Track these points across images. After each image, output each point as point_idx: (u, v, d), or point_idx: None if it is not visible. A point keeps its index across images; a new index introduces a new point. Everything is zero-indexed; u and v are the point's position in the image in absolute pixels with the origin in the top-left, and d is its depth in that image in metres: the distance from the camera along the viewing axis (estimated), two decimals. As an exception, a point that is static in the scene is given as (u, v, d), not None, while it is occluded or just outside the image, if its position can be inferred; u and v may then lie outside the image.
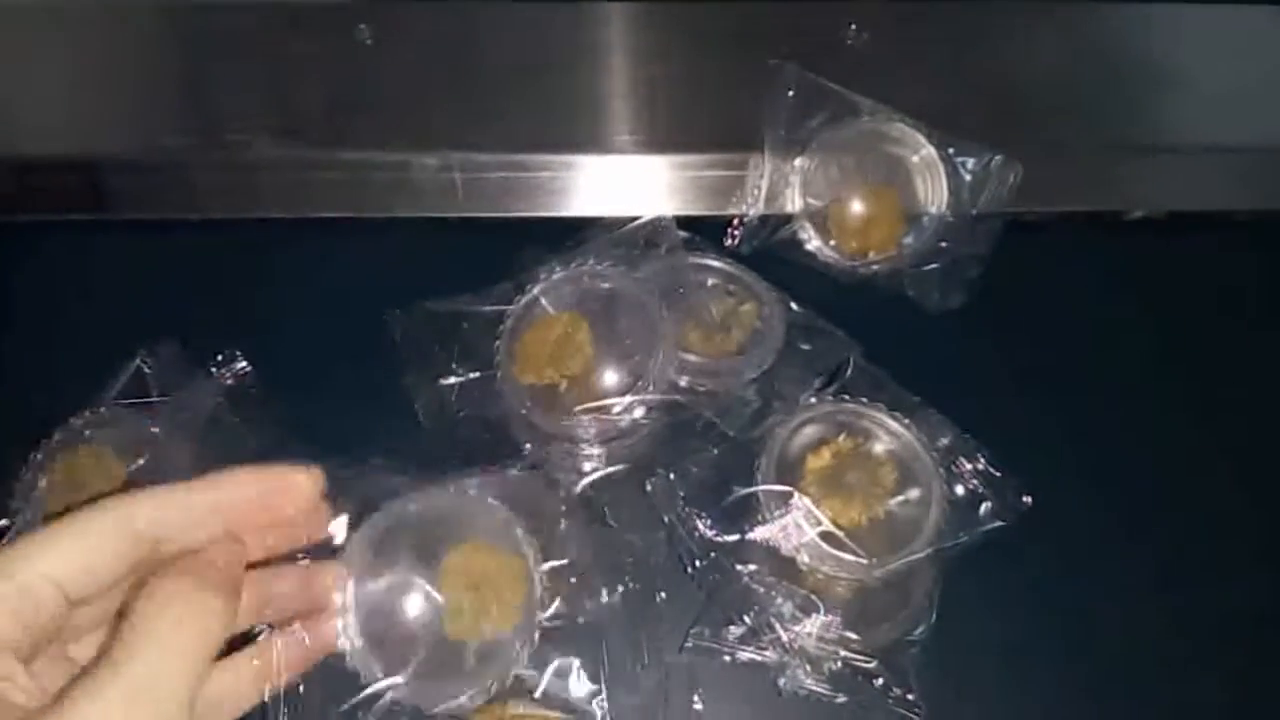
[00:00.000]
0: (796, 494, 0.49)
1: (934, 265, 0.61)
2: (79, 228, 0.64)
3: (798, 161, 0.62)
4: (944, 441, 0.52)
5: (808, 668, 0.49)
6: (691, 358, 0.55)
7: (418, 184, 0.64)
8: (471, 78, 0.67)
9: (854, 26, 0.67)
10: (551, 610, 0.45)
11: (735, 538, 0.50)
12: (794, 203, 0.62)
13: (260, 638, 0.38)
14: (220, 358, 0.56)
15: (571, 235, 0.58)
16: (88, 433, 0.52)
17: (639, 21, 0.69)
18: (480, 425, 0.55)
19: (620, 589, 0.48)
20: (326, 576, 0.41)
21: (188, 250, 0.63)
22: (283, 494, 0.37)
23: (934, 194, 0.61)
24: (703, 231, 0.60)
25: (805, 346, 0.56)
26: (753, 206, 0.62)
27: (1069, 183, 0.66)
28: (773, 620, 0.49)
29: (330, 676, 0.41)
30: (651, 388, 0.52)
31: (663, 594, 0.51)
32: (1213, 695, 0.53)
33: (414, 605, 0.43)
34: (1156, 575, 0.55)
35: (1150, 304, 0.63)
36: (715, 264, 0.59)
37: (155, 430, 0.53)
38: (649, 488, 0.52)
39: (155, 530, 0.33)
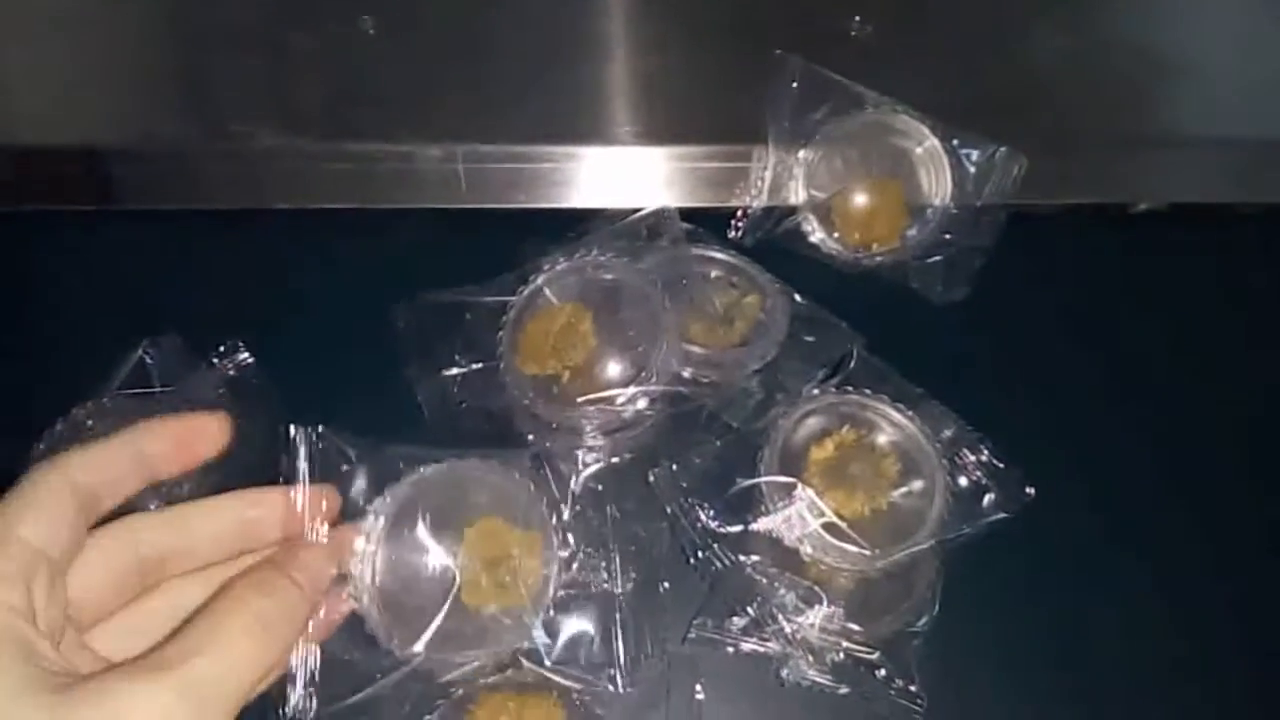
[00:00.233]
0: (799, 485, 0.49)
1: (938, 257, 0.61)
2: (81, 218, 0.64)
3: (801, 153, 0.62)
4: (947, 433, 0.52)
5: (810, 659, 0.49)
6: (695, 349, 0.55)
7: (421, 175, 0.64)
8: (475, 69, 0.67)
9: (858, 18, 0.67)
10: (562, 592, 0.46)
11: (738, 529, 0.50)
12: (798, 194, 0.62)
13: None
14: (222, 349, 0.56)
15: (575, 226, 0.58)
16: (90, 423, 0.52)
17: (643, 13, 0.69)
18: (483, 416, 0.55)
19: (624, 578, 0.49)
20: (346, 544, 0.42)
21: (189, 241, 0.63)
22: (195, 439, 0.38)
23: (938, 186, 0.61)
24: (706, 223, 0.60)
25: (809, 338, 0.56)
26: (756, 198, 0.62)
27: (1073, 175, 0.66)
28: (775, 611, 0.49)
29: (348, 642, 0.42)
30: (654, 379, 0.52)
31: (666, 584, 0.51)
32: (1213, 689, 0.53)
33: (433, 574, 0.44)
34: (1157, 568, 0.55)
35: (1154, 296, 0.63)
36: (718, 255, 0.59)
37: (157, 421, 0.53)
38: (652, 479, 0.52)
39: (91, 483, 0.34)
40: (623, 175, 0.64)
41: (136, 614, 0.36)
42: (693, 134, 0.65)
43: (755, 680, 0.50)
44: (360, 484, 0.45)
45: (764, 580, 0.50)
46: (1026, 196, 0.61)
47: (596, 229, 0.58)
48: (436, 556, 0.44)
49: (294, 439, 0.43)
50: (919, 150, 0.61)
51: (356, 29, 0.67)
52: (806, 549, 0.49)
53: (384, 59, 0.67)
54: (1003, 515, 0.50)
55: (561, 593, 0.46)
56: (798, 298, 0.58)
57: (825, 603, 0.49)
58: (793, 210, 0.62)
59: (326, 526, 0.40)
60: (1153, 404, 0.59)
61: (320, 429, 0.44)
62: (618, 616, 0.48)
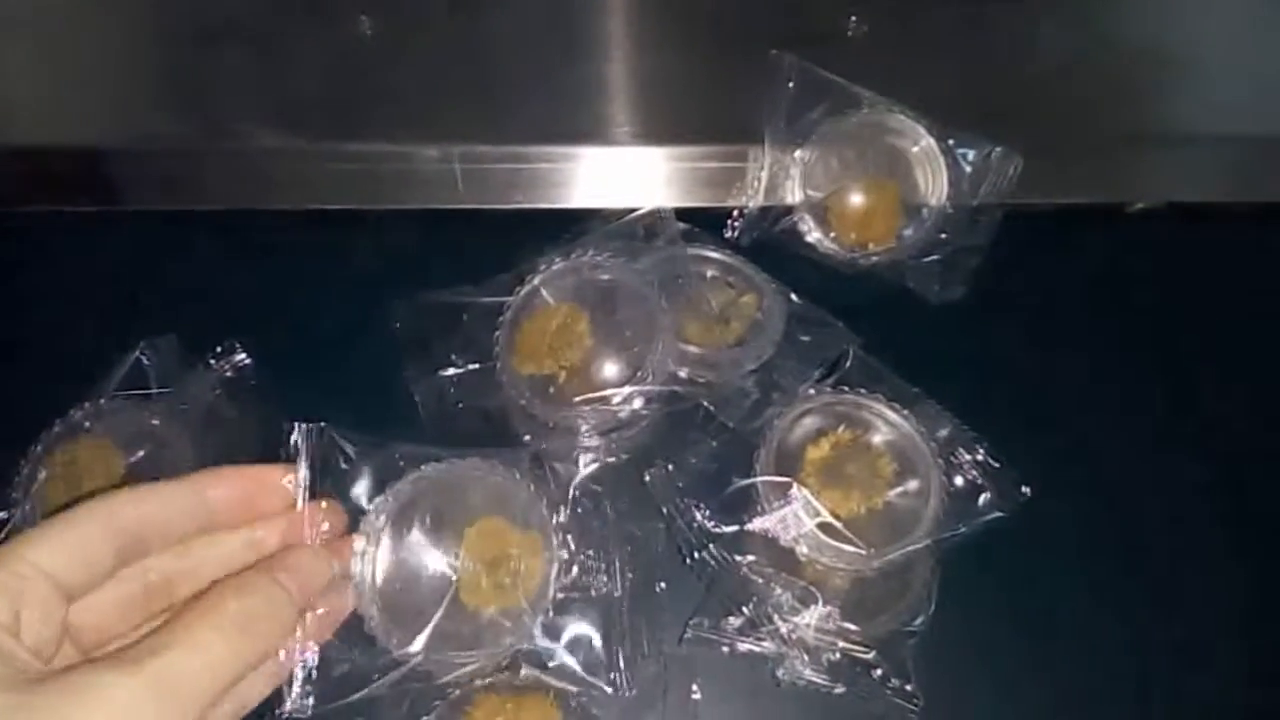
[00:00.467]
0: (795, 485, 0.50)
1: (934, 257, 0.61)
2: (78, 218, 0.64)
3: (798, 153, 0.62)
4: (943, 433, 0.52)
5: (806, 658, 0.49)
6: (691, 349, 0.55)
7: (418, 175, 0.64)
8: (472, 70, 0.67)
9: (854, 18, 0.67)
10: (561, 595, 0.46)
11: (734, 529, 0.50)
12: (794, 194, 0.62)
13: None
14: (219, 350, 0.57)
15: (571, 227, 0.58)
16: (88, 425, 0.52)
17: (640, 12, 0.69)
18: (479, 416, 0.55)
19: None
20: (345, 544, 0.42)
21: (186, 241, 0.63)
22: (263, 492, 0.39)
23: (934, 186, 0.61)
24: (703, 223, 0.60)
25: (805, 338, 0.56)
26: (753, 198, 0.62)
27: (1069, 174, 0.66)
28: (771, 611, 0.49)
29: (346, 642, 0.42)
30: (651, 379, 0.52)
31: (662, 584, 0.51)
32: (1212, 684, 0.53)
33: (432, 574, 0.44)
34: (1153, 567, 0.55)
35: (1150, 296, 0.63)
36: (715, 255, 0.59)
37: (155, 423, 0.53)
38: (648, 479, 0.52)
39: (139, 526, 0.35)
40: (619, 175, 0.65)
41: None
42: (689, 134, 0.65)
43: (752, 680, 0.51)
44: (361, 482, 0.45)
45: (760, 580, 0.50)
46: (1022, 196, 0.61)
47: (593, 229, 0.58)
48: (436, 556, 0.45)
49: (295, 438, 0.43)
50: (915, 150, 0.61)
51: (355, 30, 0.68)
52: (802, 549, 0.49)
53: (382, 60, 0.67)
54: (998, 515, 0.50)
55: (561, 595, 0.46)
56: (794, 297, 0.58)
57: (821, 602, 0.49)
58: (789, 210, 0.62)
59: (326, 525, 0.40)
60: (1149, 403, 0.60)
61: (322, 426, 0.44)
62: (619, 619, 0.48)
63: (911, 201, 0.62)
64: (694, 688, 0.50)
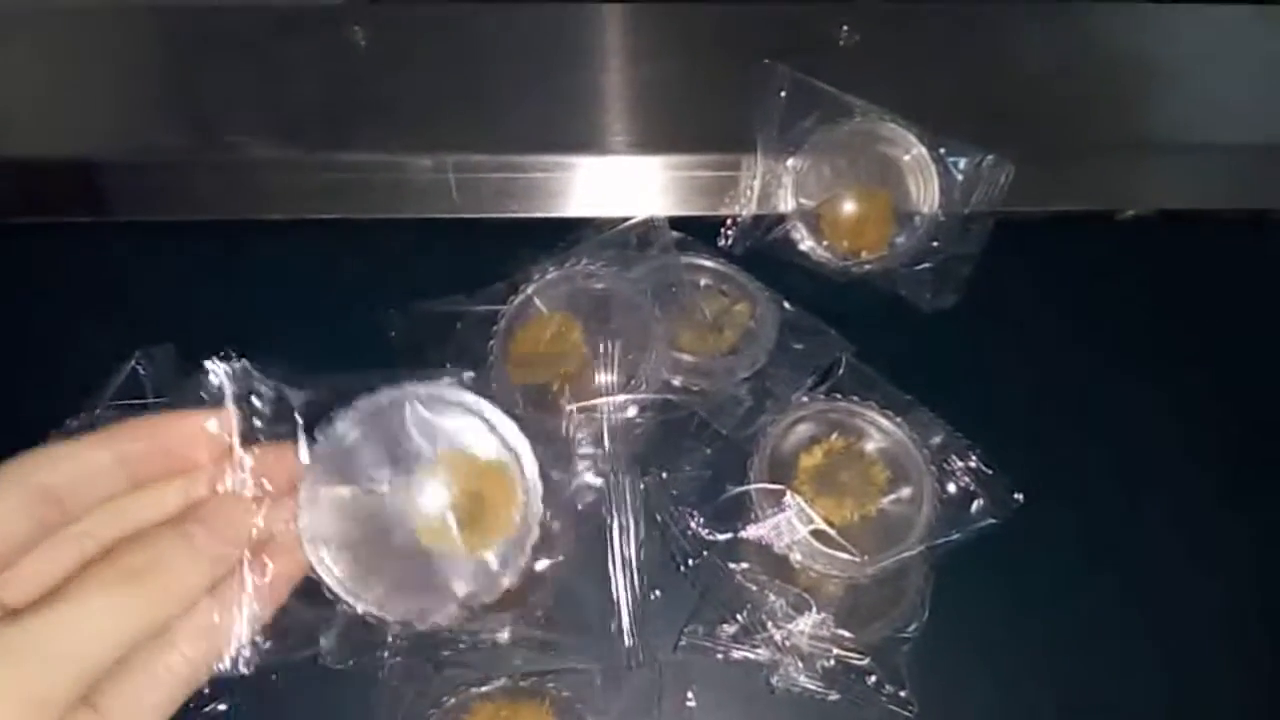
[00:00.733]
0: (789, 492, 0.50)
1: (926, 265, 0.61)
2: (74, 229, 0.64)
3: (790, 162, 0.62)
4: (936, 440, 0.52)
5: (801, 665, 0.49)
6: (684, 357, 0.55)
7: (412, 185, 0.64)
8: (465, 80, 0.67)
9: (845, 28, 0.68)
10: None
11: (728, 536, 0.51)
12: (787, 203, 0.62)
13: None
14: (216, 359, 0.57)
15: (565, 236, 0.58)
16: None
17: (632, 23, 0.69)
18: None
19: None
20: (281, 491, 0.38)
21: (182, 252, 0.63)
22: (188, 441, 0.36)
23: (926, 194, 0.62)
24: (696, 232, 0.60)
25: (798, 345, 0.57)
26: (746, 207, 0.63)
27: (1060, 182, 0.66)
28: (766, 618, 0.49)
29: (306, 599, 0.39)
30: (645, 387, 0.52)
31: (657, 592, 0.51)
32: (1206, 691, 0.53)
33: (387, 518, 0.39)
34: (1146, 574, 0.55)
35: (1141, 303, 0.63)
36: (708, 264, 0.59)
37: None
38: (642, 487, 0.52)
39: (57, 487, 0.33)
40: (613, 184, 0.65)
41: None
42: (682, 143, 0.65)
43: (746, 687, 0.51)
44: (296, 422, 0.40)
45: (754, 587, 0.50)
46: (1014, 204, 0.61)
47: (587, 238, 0.58)
48: (388, 496, 0.39)
49: (213, 380, 0.40)
50: (907, 158, 0.62)
51: (348, 40, 0.68)
52: (796, 556, 0.50)
53: (376, 70, 0.67)
54: (991, 521, 0.51)
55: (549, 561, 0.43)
56: (787, 305, 0.58)
57: (815, 609, 0.49)
58: (782, 218, 0.62)
59: (268, 472, 0.37)
60: (1141, 410, 0.60)
61: (243, 363, 0.40)
62: (628, 578, 0.47)
63: (903, 210, 0.62)
64: (689, 695, 0.51)
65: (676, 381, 0.55)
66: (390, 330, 0.57)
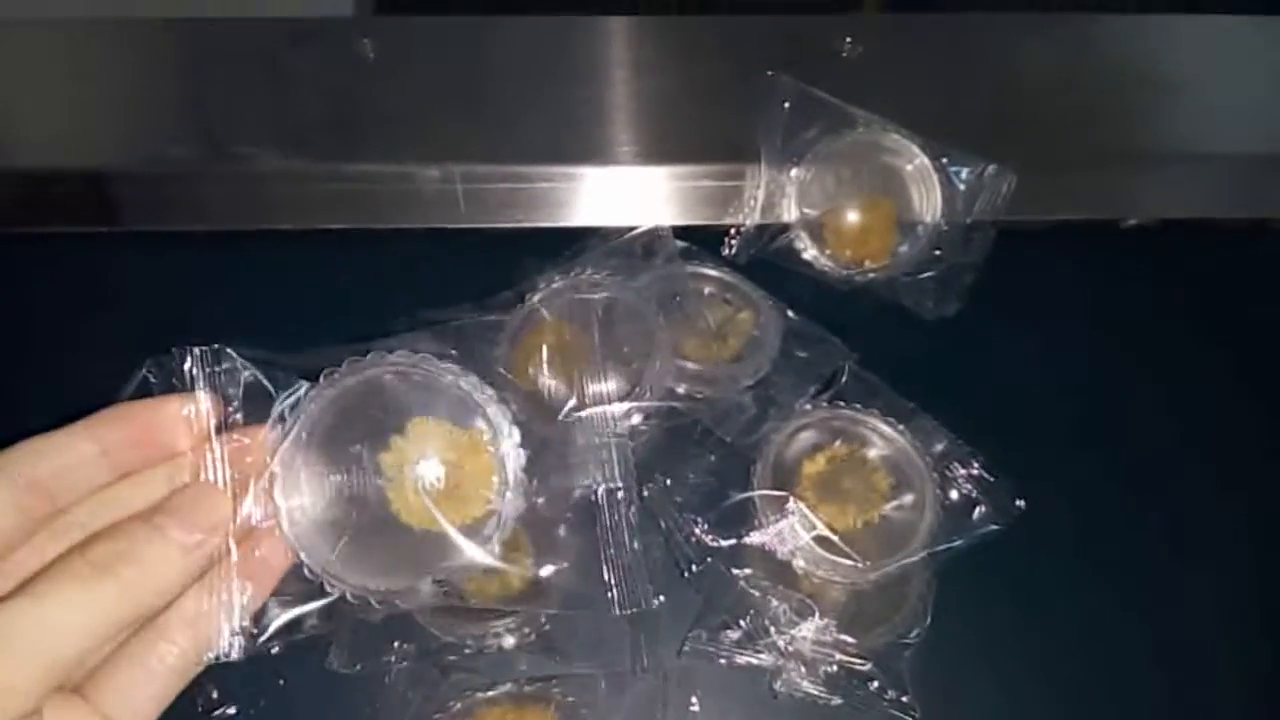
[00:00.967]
0: (792, 499, 0.50)
1: (928, 274, 0.61)
2: (84, 239, 0.64)
3: (794, 172, 0.62)
4: (938, 447, 0.53)
5: (803, 670, 0.49)
6: (688, 365, 0.55)
7: (420, 196, 0.65)
8: (472, 91, 0.68)
9: (848, 39, 0.68)
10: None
11: (732, 542, 0.51)
12: (790, 212, 0.62)
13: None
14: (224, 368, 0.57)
15: (571, 245, 0.59)
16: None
17: (637, 35, 0.70)
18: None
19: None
20: (255, 475, 0.37)
21: (191, 262, 0.64)
22: (166, 427, 0.36)
23: (928, 203, 0.62)
24: (700, 241, 0.61)
25: (801, 354, 0.57)
26: (749, 216, 0.63)
27: (1062, 191, 0.67)
28: (769, 624, 0.50)
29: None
30: (649, 395, 0.53)
31: (661, 598, 0.51)
32: (1206, 697, 0.53)
33: (360, 495, 0.38)
34: (1150, 579, 0.56)
35: (1143, 312, 0.64)
36: (712, 273, 0.60)
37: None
38: (646, 493, 0.53)
39: (42, 480, 0.33)
40: (618, 194, 0.65)
41: None
42: (687, 154, 0.65)
43: (750, 692, 0.51)
44: (270, 404, 0.39)
45: (758, 593, 0.50)
46: (1016, 213, 0.61)
47: (592, 247, 0.59)
48: (362, 473, 0.38)
49: (187, 366, 0.39)
50: (909, 168, 0.62)
51: (356, 52, 0.68)
52: (799, 562, 0.50)
53: (383, 82, 0.68)
54: (993, 528, 0.51)
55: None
56: (790, 314, 0.58)
57: (818, 615, 0.50)
58: (785, 228, 0.62)
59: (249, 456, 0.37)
60: (1143, 418, 0.60)
61: (216, 347, 0.39)
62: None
63: (906, 219, 0.62)
64: (693, 700, 0.51)
65: (680, 389, 0.55)
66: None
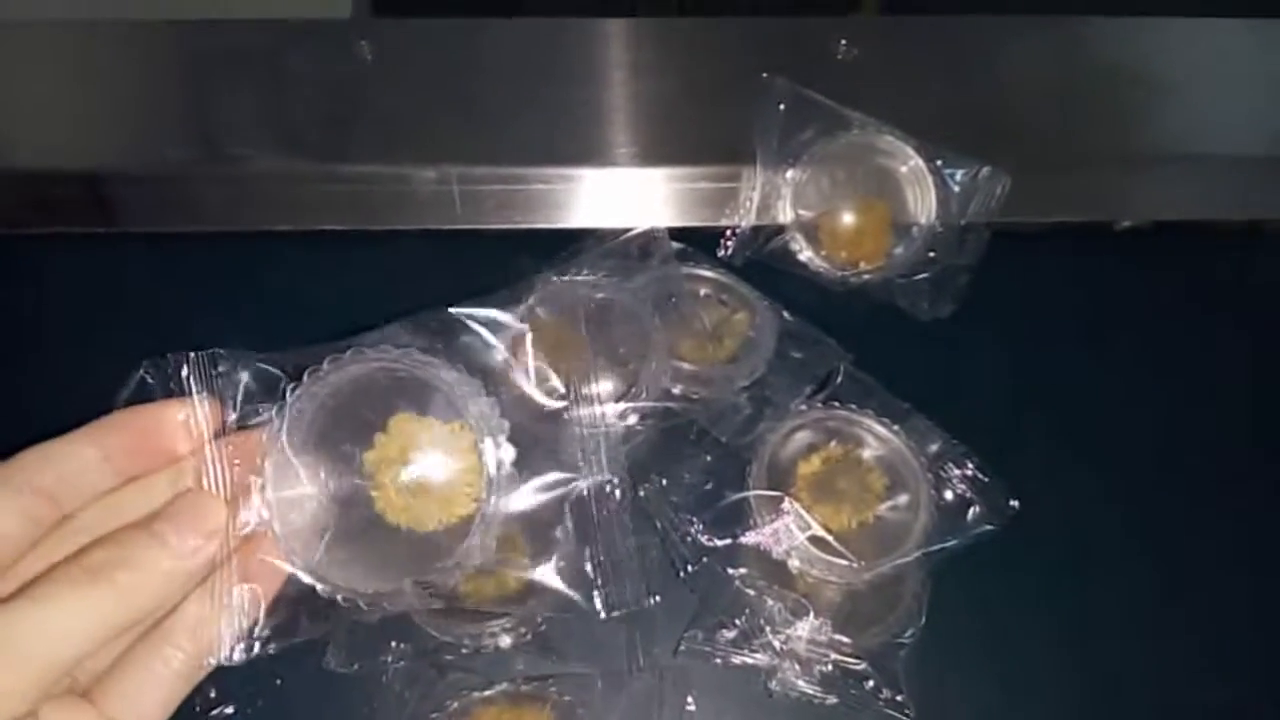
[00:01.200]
0: (787, 499, 0.50)
1: (923, 275, 0.62)
2: (83, 241, 0.65)
3: (789, 174, 0.63)
4: (933, 447, 0.53)
5: (798, 670, 0.49)
6: (684, 366, 0.56)
7: (417, 197, 0.65)
8: (469, 93, 0.68)
9: (844, 42, 0.68)
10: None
11: (727, 542, 0.51)
12: (785, 214, 0.63)
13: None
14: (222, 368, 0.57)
15: (567, 246, 0.59)
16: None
17: (634, 37, 0.70)
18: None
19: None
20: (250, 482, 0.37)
21: (190, 263, 0.64)
22: (164, 433, 0.36)
23: (923, 205, 0.62)
24: (696, 242, 0.61)
25: (796, 354, 0.57)
26: (745, 218, 0.63)
27: (1056, 193, 0.67)
28: (764, 623, 0.50)
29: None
30: (645, 395, 0.53)
31: (656, 598, 0.52)
32: (1201, 697, 0.54)
33: (347, 497, 0.37)
34: (1143, 579, 0.56)
35: (1137, 313, 0.64)
36: (708, 274, 0.60)
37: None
38: (642, 493, 0.53)
39: (48, 487, 0.33)
40: (614, 196, 0.65)
41: None
42: (683, 155, 0.66)
43: (745, 691, 0.51)
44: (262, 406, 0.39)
45: (753, 593, 0.51)
46: (1010, 215, 0.62)
47: (589, 249, 0.59)
48: (348, 473, 0.37)
49: (184, 372, 0.38)
50: (904, 170, 0.62)
51: (354, 54, 0.69)
52: (794, 562, 0.50)
53: (380, 84, 0.68)
54: (987, 528, 0.51)
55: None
56: (786, 315, 0.59)
57: (813, 615, 0.50)
58: (781, 229, 0.63)
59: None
60: (1136, 418, 0.60)
61: (213, 352, 0.39)
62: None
63: (901, 221, 0.63)
64: (689, 699, 0.51)
65: (676, 390, 0.55)
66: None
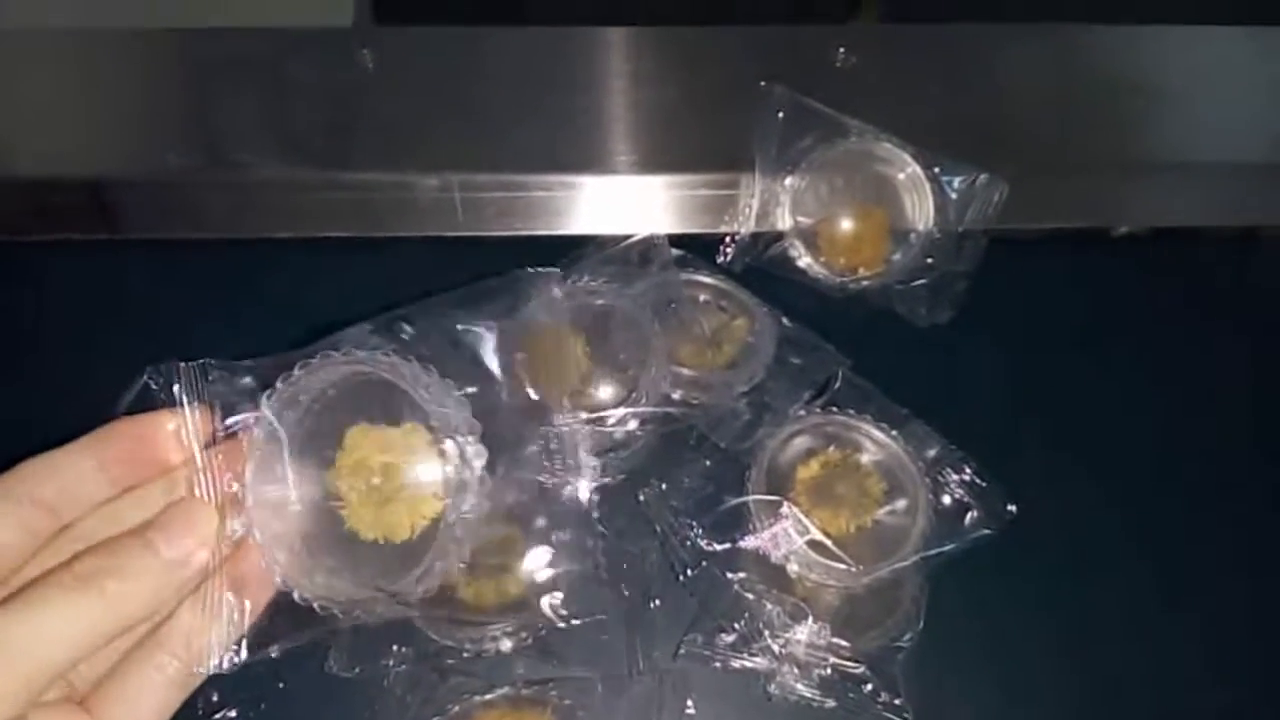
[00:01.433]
0: (786, 504, 0.51)
1: (921, 281, 0.62)
2: (86, 247, 0.65)
3: (788, 181, 0.63)
4: (931, 452, 0.53)
5: (797, 673, 0.50)
6: (684, 371, 0.56)
7: (419, 204, 0.66)
8: (470, 101, 0.68)
9: (842, 50, 0.69)
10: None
11: (726, 546, 0.51)
12: (784, 221, 0.63)
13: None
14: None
15: (568, 253, 0.59)
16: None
17: (634, 46, 0.70)
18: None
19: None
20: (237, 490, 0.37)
21: (192, 269, 0.64)
22: (156, 443, 0.36)
23: (921, 212, 0.62)
24: (696, 249, 0.61)
25: (795, 360, 0.58)
26: (744, 225, 0.64)
27: (1054, 200, 0.67)
28: (763, 627, 0.50)
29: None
30: (645, 401, 0.53)
31: (656, 602, 0.52)
32: (1200, 701, 0.54)
33: (316, 507, 0.37)
34: (1141, 583, 0.56)
35: (1134, 319, 0.64)
36: (707, 280, 0.60)
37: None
38: (642, 498, 0.53)
39: (47, 498, 0.33)
40: (614, 203, 0.66)
41: None
42: (682, 163, 0.66)
43: (744, 695, 0.51)
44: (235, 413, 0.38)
45: (752, 597, 0.51)
46: (1008, 221, 0.62)
47: (589, 255, 0.59)
48: (317, 481, 0.37)
49: (175, 386, 0.38)
50: (902, 177, 0.63)
51: (356, 62, 0.69)
52: (793, 566, 0.50)
53: (382, 91, 0.69)
54: (985, 533, 0.51)
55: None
56: (785, 321, 0.59)
57: (812, 619, 0.50)
58: (780, 236, 0.63)
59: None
60: (1133, 424, 0.61)
61: (204, 362, 0.39)
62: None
63: (899, 227, 0.63)
64: (689, 703, 0.51)
65: (676, 395, 0.56)
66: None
